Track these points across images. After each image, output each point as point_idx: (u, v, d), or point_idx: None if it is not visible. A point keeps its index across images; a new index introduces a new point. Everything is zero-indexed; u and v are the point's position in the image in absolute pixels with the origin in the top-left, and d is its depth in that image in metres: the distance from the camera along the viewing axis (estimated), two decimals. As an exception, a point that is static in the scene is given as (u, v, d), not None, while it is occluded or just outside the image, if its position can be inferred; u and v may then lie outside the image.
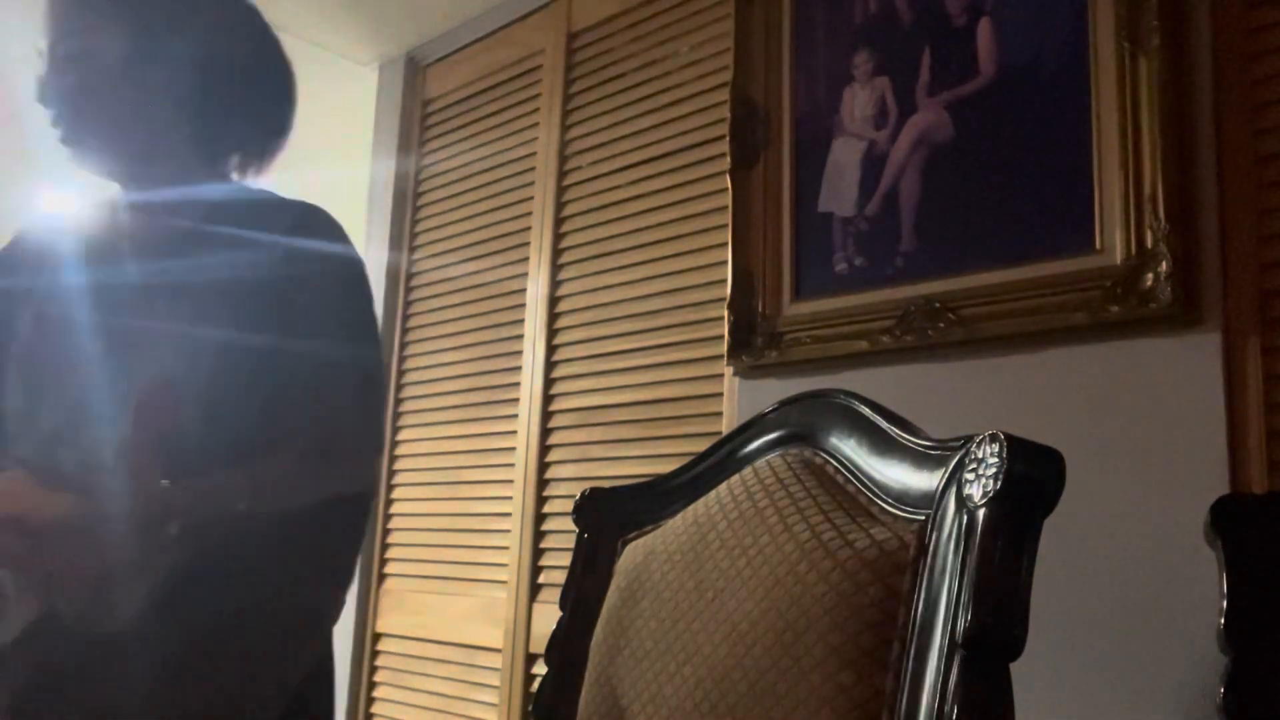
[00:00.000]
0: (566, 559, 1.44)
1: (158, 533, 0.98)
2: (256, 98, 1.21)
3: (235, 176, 1.23)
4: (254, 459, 1.06)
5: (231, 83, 1.17)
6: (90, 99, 1.10)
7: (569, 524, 1.48)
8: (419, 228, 2.58)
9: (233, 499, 1.03)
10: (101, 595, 1.00)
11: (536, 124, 2.29)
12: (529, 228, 2.25)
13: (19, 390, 1.10)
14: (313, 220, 1.17)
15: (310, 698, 1.14)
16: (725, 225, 1.81)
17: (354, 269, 1.17)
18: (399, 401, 2.52)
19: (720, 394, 1.83)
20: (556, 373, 2.13)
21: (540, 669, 1.49)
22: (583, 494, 1.45)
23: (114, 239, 1.17)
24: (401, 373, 2.53)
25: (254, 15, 1.21)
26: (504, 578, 2.15)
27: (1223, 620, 0.99)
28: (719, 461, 1.31)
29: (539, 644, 1.83)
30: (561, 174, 2.20)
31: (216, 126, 1.18)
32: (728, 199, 1.81)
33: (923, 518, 0.97)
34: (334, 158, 3.44)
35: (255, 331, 1.07)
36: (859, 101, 1.67)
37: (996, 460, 0.88)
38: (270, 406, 1.07)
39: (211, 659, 1.04)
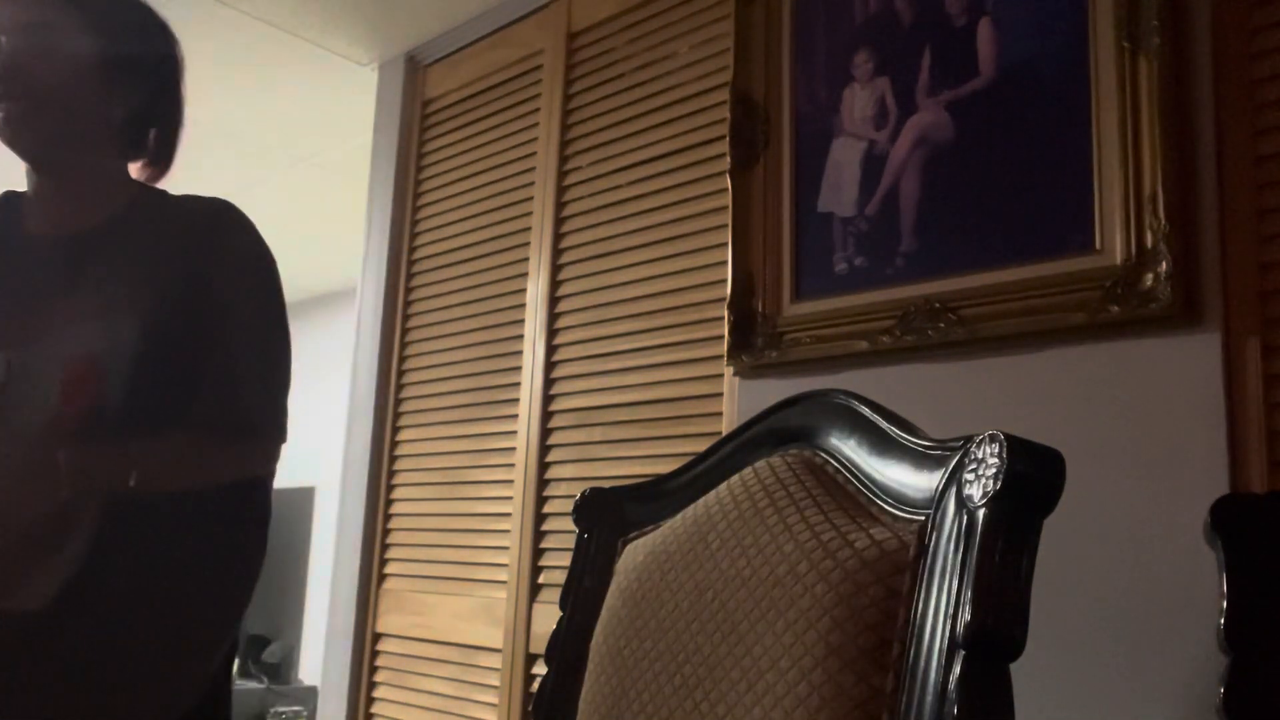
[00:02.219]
0: (566, 559, 1.44)
1: (52, 499, 1.02)
2: (165, 96, 1.25)
3: (144, 173, 1.28)
4: (160, 435, 1.10)
5: (146, 79, 1.22)
6: (37, 75, 1.13)
7: (569, 524, 1.48)
8: (419, 228, 2.58)
9: (127, 466, 1.06)
10: (17, 569, 1.03)
11: (536, 124, 2.29)
12: (529, 228, 2.25)
13: None
14: (227, 214, 1.22)
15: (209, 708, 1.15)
16: (725, 225, 1.81)
17: (265, 262, 1.22)
18: (399, 401, 2.52)
19: (720, 394, 1.83)
20: (556, 373, 2.13)
21: (540, 669, 1.49)
22: (583, 494, 1.45)
23: (37, 222, 1.20)
24: (401, 373, 2.53)
25: (159, 19, 1.25)
26: (504, 578, 2.15)
27: (1223, 620, 0.99)
28: (719, 461, 1.31)
29: (539, 644, 1.83)
30: (561, 174, 2.20)
31: (135, 118, 1.22)
32: (728, 199, 1.81)
33: (923, 518, 0.97)
34: (334, 157, 3.45)
35: (173, 317, 1.12)
36: (859, 101, 1.68)
37: (996, 460, 0.88)
38: (184, 389, 1.12)
39: (118, 649, 1.05)
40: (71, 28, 1.14)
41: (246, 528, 1.18)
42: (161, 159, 1.27)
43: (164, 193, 1.25)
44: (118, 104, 1.19)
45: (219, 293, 1.15)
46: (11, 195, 1.24)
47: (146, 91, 1.21)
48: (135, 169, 1.26)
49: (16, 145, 1.15)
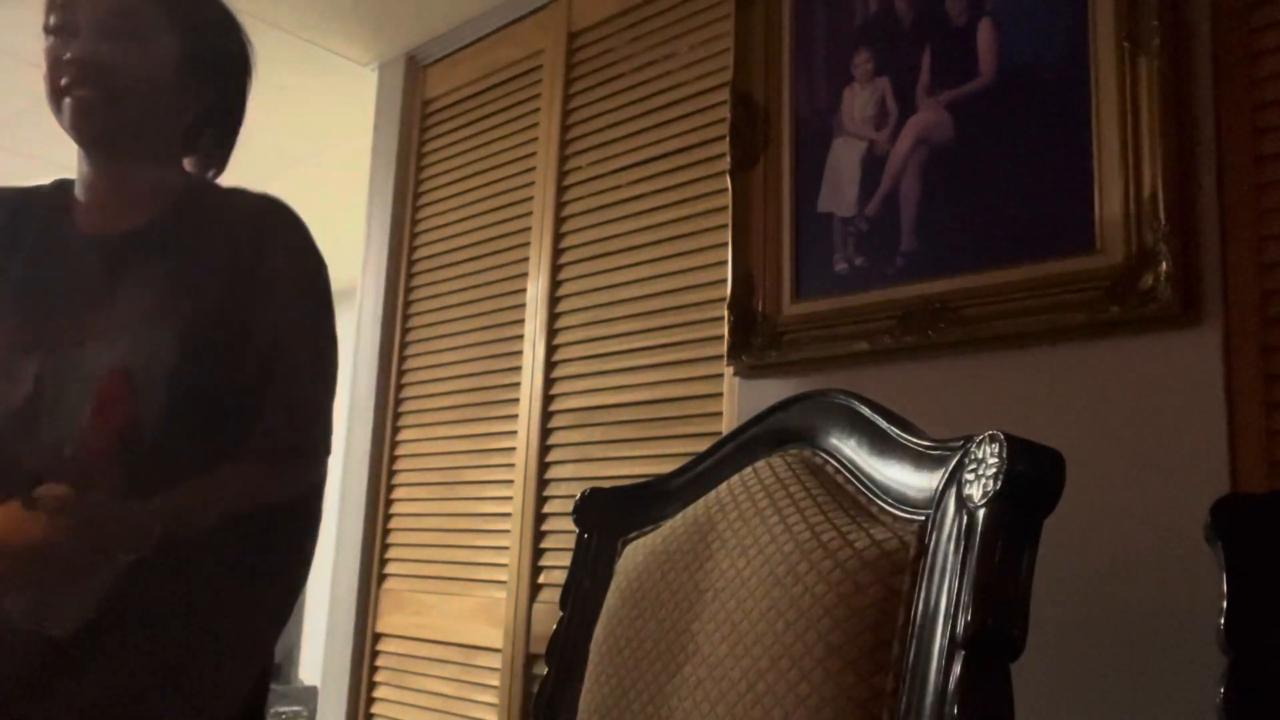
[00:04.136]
0: (566, 559, 1.44)
1: (116, 558, 0.97)
2: (230, 97, 1.22)
3: (197, 172, 1.24)
4: (218, 462, 1.04)
5: (215, 80, 1.19)
6: (116, 66, 1.09)
7: (569, 524, 1.48)
8: (419, 227, 2.58)
9: (199, 516, 1.01)
10: (48, 593, 0.97)
11: (536, 124, 2.29)
12: (529, 228, 2.25)
13: None
14: (276, 214, 1.16)
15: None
16: (725, 225, 1.81)
17: (315, 266, 1.17)
18: (399, 401, 2.52)
19: (720, 394, 1.83)
20: (556, 373, 2.13)
21: (540, 669, 1.48)
22: (583, 494, 1.45)
23: (84, 218, 1.15)
24: (401, 373, 2.53)
25: (235, 20, 1.22)
26: (504, 578, 2.15)
27: (1223, 620, 0.99)
28: (719, 462, 1.31)
29: (539, 644, 1.83)
30: (561, 174, 2.20)
31: (200, 118, 1.19)
32: (728, 199, 1.81)
33: (923, 518, 0.97)
34: (334, 157, 3.44)
35: (214, 329, 1.06)
36: (859, 101, 1.68)
37: (996, 460, 0.88)
38: (231, 405, 1.06)
39: (152, 670, 1.00)
40: (154, 22, 1.11)
41: (291, 542, 1.14)
42: (216, 160, 1.24)
43: (214, 186, 1.22)
44: (190, 102, 1.16)
45: (266, 300, 1.09)
46: (64, 184, 1.18)
47: (217, 92, 1.19)
48: (189, 165, 1.23)
49: (83, 134, 1.11)
